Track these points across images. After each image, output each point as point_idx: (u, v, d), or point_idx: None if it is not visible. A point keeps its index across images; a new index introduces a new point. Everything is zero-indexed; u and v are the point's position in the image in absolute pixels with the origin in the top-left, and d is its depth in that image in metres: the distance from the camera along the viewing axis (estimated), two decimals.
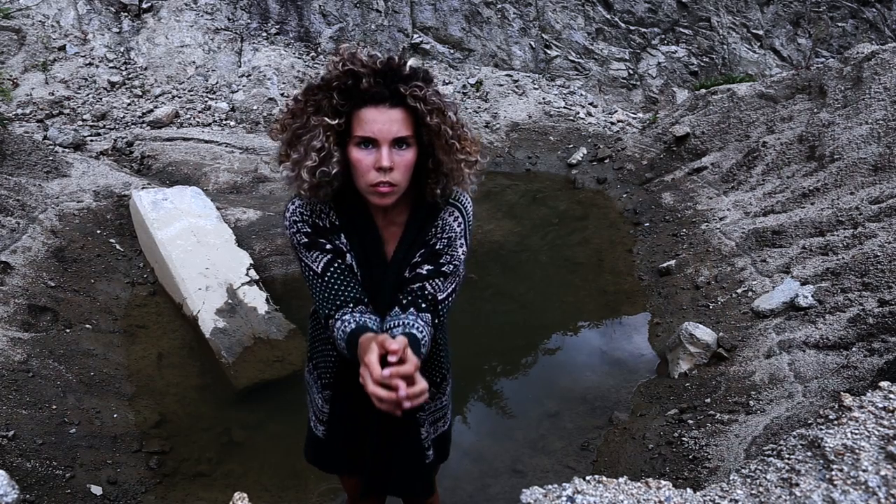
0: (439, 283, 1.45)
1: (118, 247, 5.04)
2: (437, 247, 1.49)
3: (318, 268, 1.46)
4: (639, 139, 7.99)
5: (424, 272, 1.46)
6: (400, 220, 1.50)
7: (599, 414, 3.74)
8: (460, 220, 1.51)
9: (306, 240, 1.47)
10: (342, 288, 1.44)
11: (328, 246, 1.47)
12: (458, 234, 1.50)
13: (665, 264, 5.19)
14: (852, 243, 4.13)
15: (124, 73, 8.19)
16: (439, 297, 1.45)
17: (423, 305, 1.41)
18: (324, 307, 1.45)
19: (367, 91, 1.29)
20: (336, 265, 1.46)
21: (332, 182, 1.39)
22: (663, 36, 10.96)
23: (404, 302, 1.43)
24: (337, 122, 1.32)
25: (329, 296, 1.44)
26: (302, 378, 1.96)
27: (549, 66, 10.43)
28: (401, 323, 1.37)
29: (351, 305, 1.42)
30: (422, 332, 1.35)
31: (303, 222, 1.48)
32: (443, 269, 1.47)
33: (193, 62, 8.57)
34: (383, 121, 1.30)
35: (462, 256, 1.52)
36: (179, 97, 8.07)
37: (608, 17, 10.77)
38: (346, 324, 1.38)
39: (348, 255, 1.50)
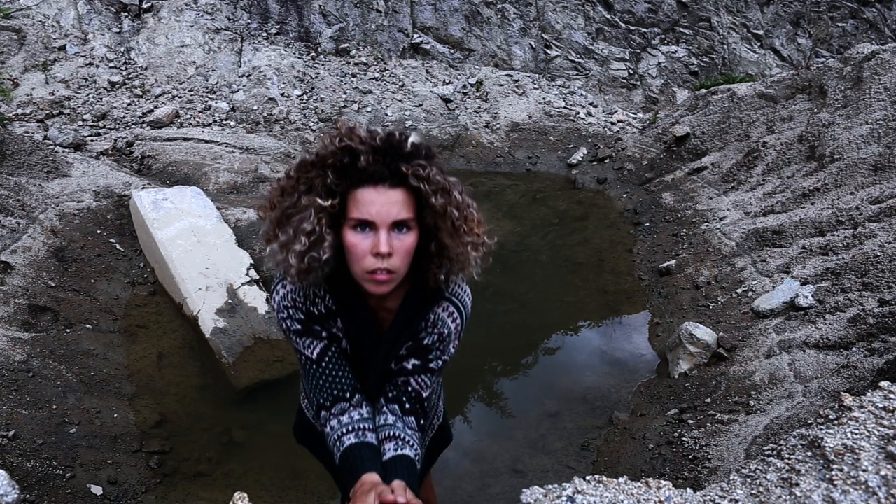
0: (425, 380, 1.40)
1: (118, 247, 5.04)
2: (426, 342, 1.40)
3: (313, 354, 1.38)
4: (639, 139, 7.99)
5: (410, 367, 1.39)
6: (391, 306, 1.39)
7: (599, 414, 3.74)
8: (458, 319, 1.41)
9: (299, 327, 1.38)
10: (338, 376, 1.38)
11: (323, 333, 1.39)
12: (452, 332, 1.41)
13: (665, 264, 5.20)
14: (852, 243, 4.13)
15: (124, 73, 8.20)
16: (423, 395, 1.40)
17: (408, 406, 1.37)
18: (318, 396, 1.38)
19: (364, 170, 1.18)
20: (332, 352, 1.39)
21: (322, 267, 1.27)
22: (663, 36, 10.96)
23: (390, 395, 1.39)
24: (330, 202, 1.20)
25: (325, 384, 1.38)
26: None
27: (550, 66, 10.43)
28: (392, 435, 1.34)
29: (347, 396, 1.37)
30: (413, 445, 1.33)
31: (295, 309, 1.37)
32: (430, 365, 1.40)
33: (193, 62, 8.57)
34: (382, 202, 1.19)
35: (452, 353, 1.44)
36: (179, 97, 8.08)
37: (608, 17, 10.77)
38: (345, 430, 1.33)
39: (343, 340, 1.42)
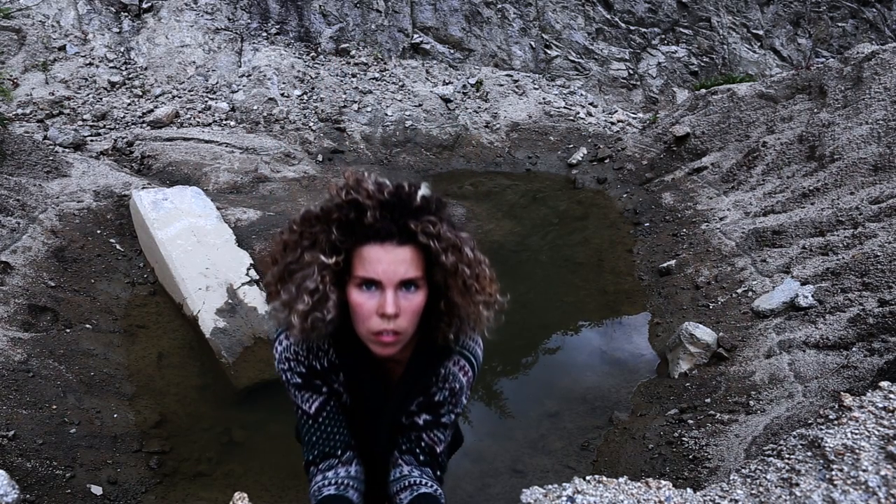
0: (438, 435, 1.37)
1: (118, 247, 5.04)
2: (438, 398, 1.36)
3: (310, 409, 1.35)
4: (639, 139, 7.99)
5: (421, 422, 1.36)
6: (399, 358, 1.33)
7: (599, 414, 3.74)
8: (469, 373, 1.37)
9: (299, 380, 1.34)
10: (332, 432, 1.36)
11: (324, 388, 1.35)
12: (464, 386, 1.37)
13: (665, 264, 5.19)
14: (852, 243, 4.13)
15: (124, 73, 8.20)
16: (438, 449, 1.37)
17: (422, 458, 1.36)
18: (309, 451, 1.36)
19: (371, 226, 1.13)
20: (330, 407, 1.35)
21: (326, 327, 1.21)
22: (663, 36, 10.96)
23: (403, 448, 1.37)
24: (334, 260, 1.15)
25: (318, 440, 1.35)
26: None
27: (550, 66, 10.43)
28: (407, 485, 1.32)
29: (338, 453, 1.36)
30: (430, 486, 1.32)
31: (297, 362, 1.32)
32: (442, 419, 1.37)
33: (193, 62, 8.57)
34: (389, 261, 1.13)
35: (465, 404, 1.41)
36: (179, 97, 8.08)
37: (608, 17, 10.77)
38: (326, 483, 1.32)
39: (344, 394, 1.38)
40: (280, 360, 1.33)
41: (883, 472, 1.09)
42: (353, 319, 1.21)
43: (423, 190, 1.19)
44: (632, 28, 10.81)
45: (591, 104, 9.91)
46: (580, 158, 8.26)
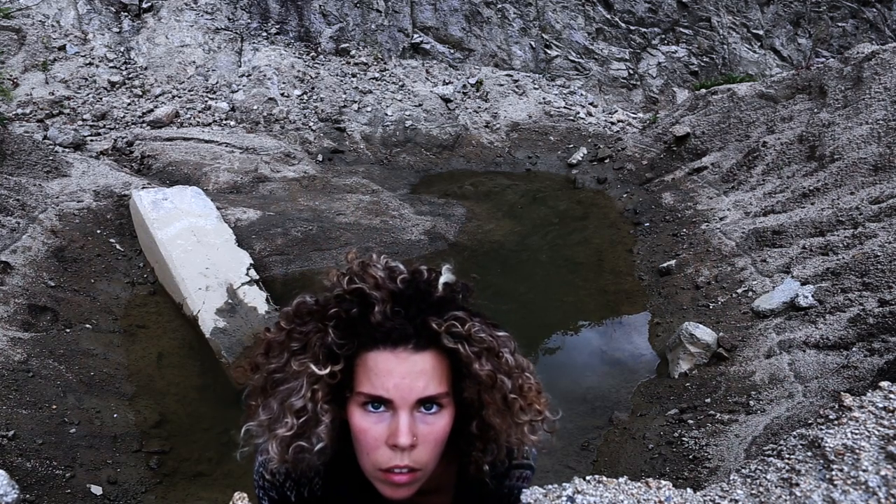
0: None
1: (118, 246, 5.04)
2: None
3: None
4: (639, 139, 8.00)
5: None
6: (439, 485, 1.02)
7: (599, 414, 3.75)
8: (529, 475, 1.10)
9: None
10: None
11: None
12: (524, 490, 1.12)
13: (665, 264, 5.20)
14: (852, 243, 4.13)
15: (124, 72, 8.20)
16: None
17: None
18: None
19: (379, 325, 0.86)
20: None
21: (315, 457, 0.91)
22: (663, 36, 10.96)
23: None
24: (329, 370, 0.87)
25: None
26: None
27: (550, 66, 10.43)
28: None
29: None
30: None
31: (271, 485, 1.03)
32: None
33: (193, 62, 8.57)
34: (403, 373, 0.86)
35: None
36: (179, 97, 8.08)
37: (608, 17, 10.77)
38: None
39: None
40: (255, 472, 1.05)
41: (883, 472, 1.09)
42: (356, 449, 0.91)
43: (446, 275, 0.92)
44: (632, 28, 10.81)
45: (591, 104, 9.91)
46: (580, 158, 8.26)
